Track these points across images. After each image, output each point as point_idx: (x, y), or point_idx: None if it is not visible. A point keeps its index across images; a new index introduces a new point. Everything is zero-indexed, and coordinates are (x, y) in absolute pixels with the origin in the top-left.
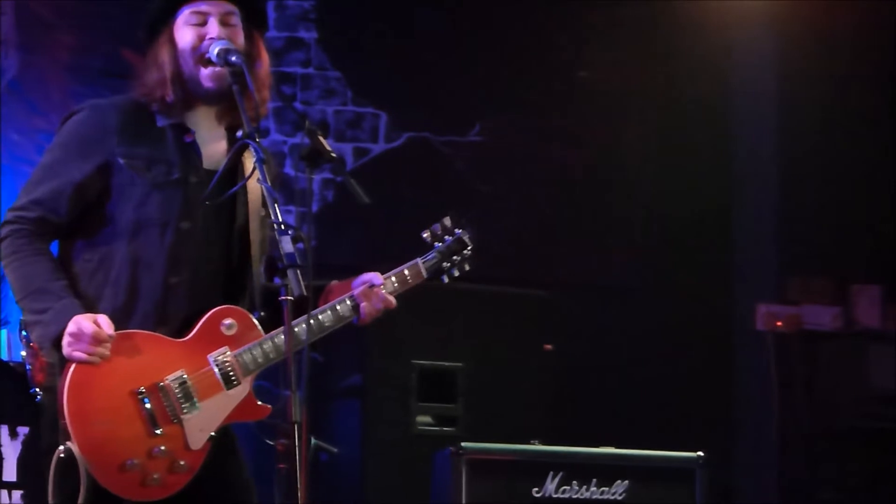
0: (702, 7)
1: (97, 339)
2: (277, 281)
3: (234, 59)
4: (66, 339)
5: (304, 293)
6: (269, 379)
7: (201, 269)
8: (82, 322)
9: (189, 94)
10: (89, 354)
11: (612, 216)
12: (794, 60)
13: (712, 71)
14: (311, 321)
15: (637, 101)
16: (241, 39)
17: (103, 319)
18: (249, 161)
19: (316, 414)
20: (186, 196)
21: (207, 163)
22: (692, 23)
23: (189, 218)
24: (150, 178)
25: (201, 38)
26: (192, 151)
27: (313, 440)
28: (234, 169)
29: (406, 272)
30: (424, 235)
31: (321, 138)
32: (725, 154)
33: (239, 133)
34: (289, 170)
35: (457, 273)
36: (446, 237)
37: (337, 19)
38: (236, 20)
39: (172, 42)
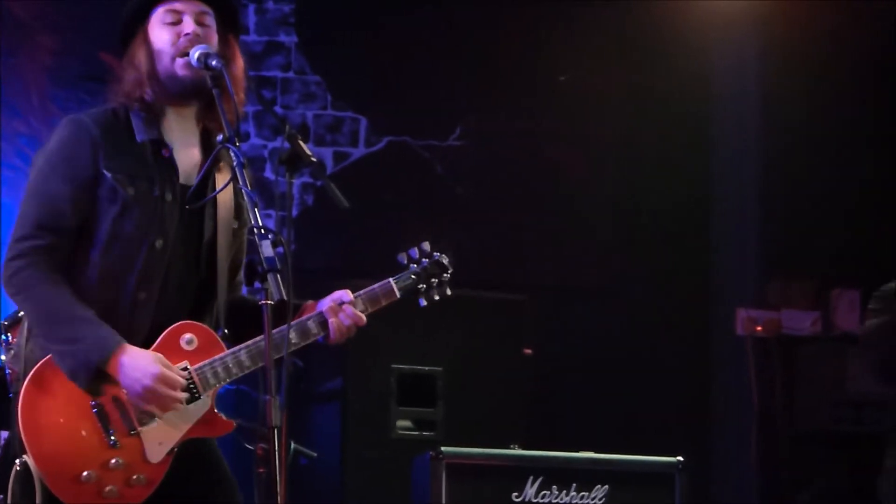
0: (682, 8)
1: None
2: (258, 285)
3: (214, 63)
4: (145, 383)
5: (285, 297)
6: (249, 383)
7: (170, 285)
8: (168, 374)
9: (166, 91)
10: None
11: (591, 219)
12: (774, 62)
13: (693, 72)
14: (276, 338)
15: (616, 103)
16: (215, 40)
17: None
18: (222, 174)
19: (295, 418)
20: (162, 214)
21: (183, 178)
22: (673, 24)
23: (163, 236)
24: (132, 193)
25: (178, 36)
26: (169, 167)
27: (293, 444)
28: (206, 182)
29: (378, 291)
30: (400, 258)
31: (301, 142)
32: (705, 156)
33: (219, 137)
34: (269, 174)
35: (436, 297)
36: (423, 260)
37: (317, 23)
38: (210, 21)
39: (148, 42)
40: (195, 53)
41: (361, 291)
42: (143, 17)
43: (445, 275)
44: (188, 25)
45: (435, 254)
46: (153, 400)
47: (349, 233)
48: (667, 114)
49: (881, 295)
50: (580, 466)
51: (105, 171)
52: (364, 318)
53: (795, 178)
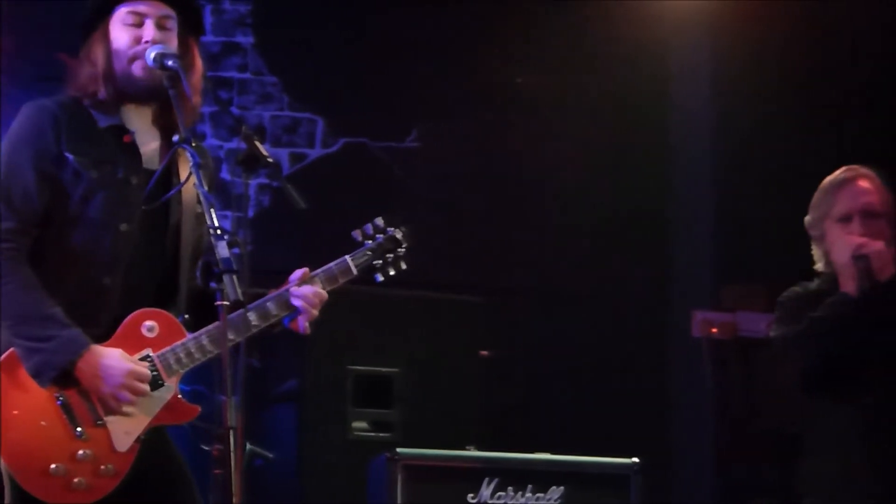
0: (637, 9)
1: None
2: (214, 286)
3: (170, 63)
4: (115, 381)
5: (240, 298)
6: (205, 383)
7: (135, 271)
8: (137, 368)
9: (121, 91)
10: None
11: (547, 222)
12: (730, 65)
13: (648, 75)
14: (235, 320)
15: (573, 106)
16: (175, 44)
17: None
18: (185, 163)
19: (251, 419)
20: (127, 197)
21: (147, 163)
22: (628, 26)
23: (128, 219)
24: (96, 176)
25: (137, 40)
26: (132, 151)
27: (249, 445)
28: (170, 171)
29: (335, 269)
30: (355, 234)
31: (258, 143)
32: (661, 160)
33: (175, 137)
34: (225, 175)
35: (392, 272)
36: (378, 235)
37: (274, 24)
38: (172, 24)
39: (107, 40)
40: (151, 53)
41: (318, 270)
42: (104, 15)
43: (400, 249)
44: (149, 32)
45: (389, 229)
46: (126, 397)
47: (306, 234)
48: (623, 117)
49: (784, 301)
50: (536, 468)
51: (67, 154)
52: (325, 293)
53: (750, 182)
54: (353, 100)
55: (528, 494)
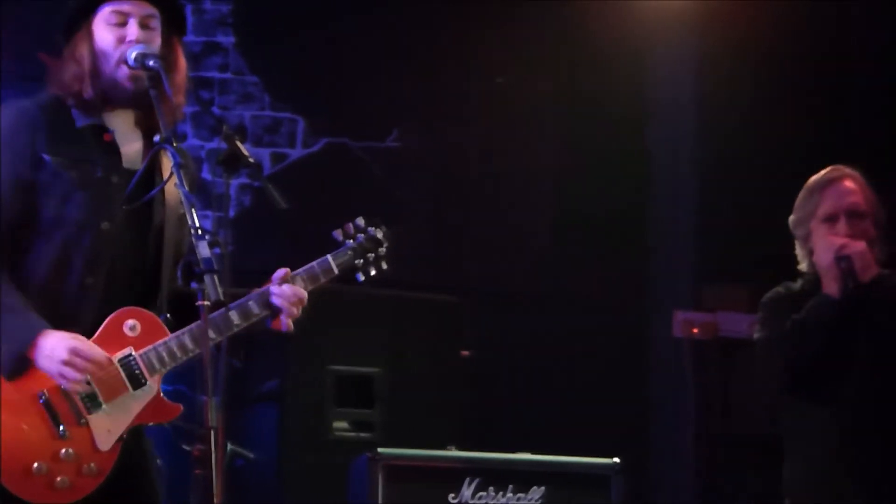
0: (619, 9)
1: (94, 361)
2: (194, 285)
3: (151, 63)
4: (59, 357)
5: (221, 298)
6: (186, 384)
7: (117, 270)
8: (78, 344)
9: (106, 93)
10: (81, 374)
11: (528, 222)
12: (712, 64)
13: (630, 76)
14: (217, 320)
15: (553, 106)
16: (158, 43)
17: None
18: (167, 163)
19: (232, 419)
20: (108, 196)
21: (127, 162)
22: (610, 26)
23: (109, 218)
24: (75, 176)
25: (120, 40)
26: (112, 151)
27: (230, 445)
28: (152, 171)
29: (316, 268)
30: (336, 234)
31: (239, 143)
32: (642, 159)
33: (156, 137)
34: (206, 175)
35: (373, 272)
36: (359, 235)
37: (255, 24)
38: (156, 24)
39: (91, 38)
40: (132, 53)
41: (300, 269)
42: (88, 14)
43: (381, 249)
44: (133, 31)
45: (370, 229)
46: (70, 374)
47: (287, 234)
48: (605, 118)
49: (767, 302)
50: (517, 468)
51: (45, 156)
52: (305, 294)
53: (731, 182)
54: (334, 99)
55: (510, 494)
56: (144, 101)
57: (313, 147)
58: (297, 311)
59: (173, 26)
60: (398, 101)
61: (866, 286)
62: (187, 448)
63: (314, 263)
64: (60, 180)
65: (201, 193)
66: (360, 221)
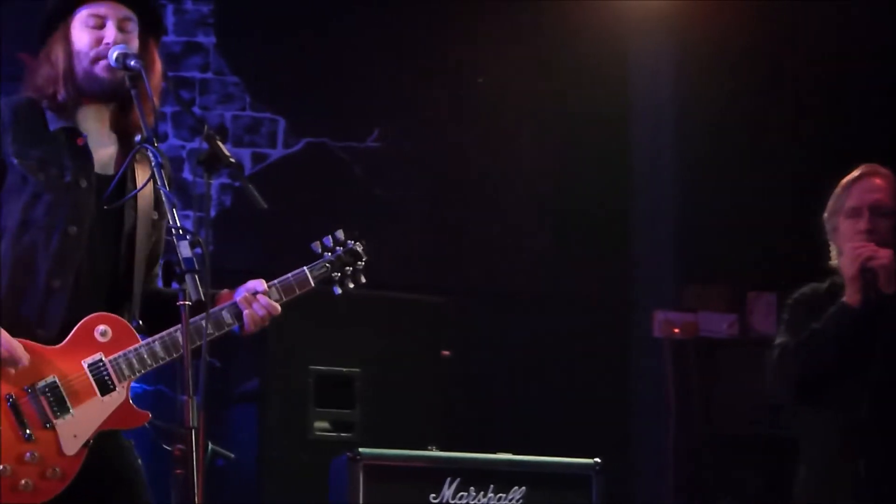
0: (599, 9)
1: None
2: (175, 286)
3: (132, 63)
4: None
5: (202, 298)
6: (167, 384)
7: (85, 275)
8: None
9: (81, 91)
10: None
11: (508, 222)
12: (692, 65)
13: (610, 76)
14: (191, 328)
15: (534, 106)
16: (135, 45)
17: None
18: (142, 165)
19: (213, 419)
20: (76, 200)
21: (99, 167)
22: (589, 27)
23: (77, 223)
24: (42, 180)
25: (98, 42)
26: (84, 155)
27: (210, 445)
28: (125, 175)
29: (292, 280)
30: (314, 246)
31: (219, 143)
32: (623, 160)
33: (137, 137)
34: (187, 174)
35: (351, 285)
36: (337, 248)
37: (236, 24)
38: (133, 26)
39: (68, 41)
40: (114, 54)
41: (276, 281)
42: (65, 16)
43: (360, 263)
44: (110, 33)
45: (349, 242)
46: None
47: (267, 234)
48: (585, 118)
49: (793, 304)
50: (498, 468)
51: (12, 159)
52: (279, 307)
53: (712, 182)
54: (314, 100)
55: (490, 494)
56: (120, 97)
57: (294, 147)
58: (260, 323)
59: (150, 29)
60: (379, 101)
61: (888, 297)
62: (168, 448)
63: (290, 275)
64: (28, 183)
65: (182, 193)
66: (340, 234)
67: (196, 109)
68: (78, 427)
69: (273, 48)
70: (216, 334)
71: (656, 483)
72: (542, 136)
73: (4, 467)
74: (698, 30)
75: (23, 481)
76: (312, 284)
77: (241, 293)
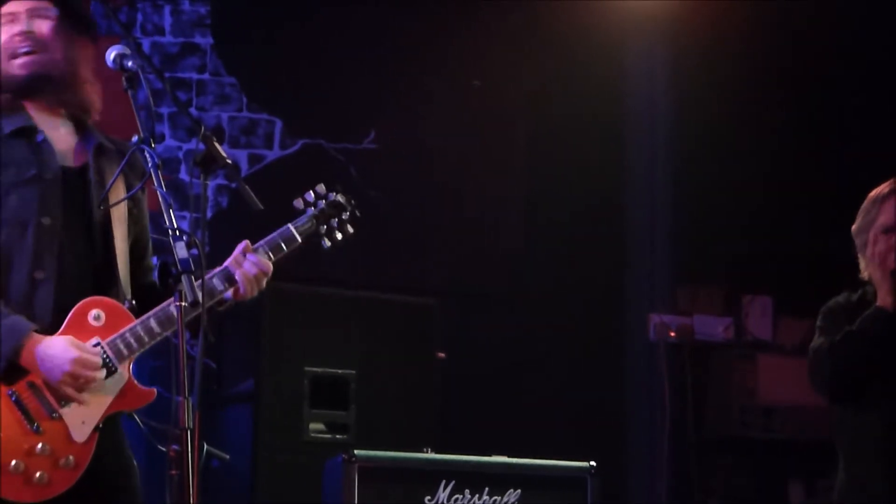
0: (594, 10)
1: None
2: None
3: (129, 64)
4: (60, 370)
5: (199, 299)
6: (162, 384)
7: (67, 263)
8: (85, 356)
9: (11, 91)
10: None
11: (505, 224)
12: (687, 65)
13: (605, 76)
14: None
15: (530, 107)
16: (45, 29)
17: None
18: (107, 157)
19: (207, 420)
20: (43, 192)
21: (60, 159)
22: (584, 27)
23: (48, 213)
24: (6, 181)
25: (11, 38)
26: (44, 149)
27: (205, 446)
28: (99, 170)
29: (278, 238)
30: (296, 203)
31: (216, 144)
32: (618, 161)
33: (134, 138)
34: (183, 175)
35: (339, 236)
36: (319, 202)
37: (233, 25)
38: (47, 13)
39: None
40: (111, 54)
41: (262, 241)
42: None
43: (345, 213)
44: (20, 25)
45: (330, 194)
46: (74, 384)
47: (263, 235)
48: (580, 118)
49: (827, 311)
50: (493, 470)
51: None
52: (270, 265)
53: (707, 184)
54: (311, 101)
55: (485, 497)
56: (48, 89)
57: (290, 148)
58: (255, 282)
59: (71, 19)
60: (375, 103)
61: None
62: (162, 448)
63: (275, 233)
64: None
65: (176, 194)
66: (321, 188)
67: (193, 110)
68: (85, 413)
69: (270, 49)
70: (210, 303)
71: (651, 486)
72: (536, 138)
73: (17, 463)
74: (693, 31)
75: (37, 474)
76: (299, 240)
77: (230, 260)
